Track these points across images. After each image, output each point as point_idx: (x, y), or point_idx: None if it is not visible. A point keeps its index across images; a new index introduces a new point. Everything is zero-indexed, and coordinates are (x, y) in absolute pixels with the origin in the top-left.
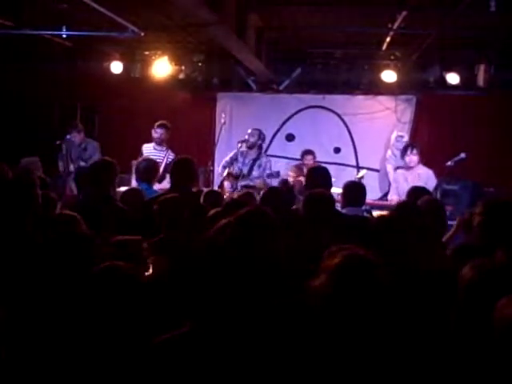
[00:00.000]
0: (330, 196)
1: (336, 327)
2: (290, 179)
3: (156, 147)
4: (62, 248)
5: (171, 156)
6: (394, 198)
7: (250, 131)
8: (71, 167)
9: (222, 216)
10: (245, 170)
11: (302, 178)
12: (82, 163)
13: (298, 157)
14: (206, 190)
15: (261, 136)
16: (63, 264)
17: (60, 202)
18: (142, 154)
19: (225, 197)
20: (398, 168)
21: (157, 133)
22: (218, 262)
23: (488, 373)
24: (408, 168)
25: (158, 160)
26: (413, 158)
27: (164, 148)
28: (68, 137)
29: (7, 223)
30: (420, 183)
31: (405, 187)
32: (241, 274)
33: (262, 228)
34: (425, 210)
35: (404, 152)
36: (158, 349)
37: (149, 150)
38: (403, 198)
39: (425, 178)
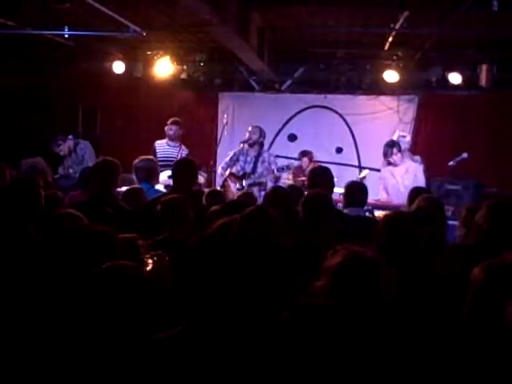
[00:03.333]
0: (327, 196)
1: (337, 328)
2: (290, 181)
3: (169, 143)
4: (76, 244)
5: (185, 151)
6: (383, 195)
7: (250, 129)
8: (62, 169)
9: (219, 215)
10: (248, 168)
11: (303, 178)
12: (74, 165)
13: None
14: (207, 190)
15: (262, 133)
16: (71, 262)
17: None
18: (154, 151)
19: (231, 197)
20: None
21: (172, 130)
22: (222, 259)
23: (497, 373)
24: (394, 165)
25: (172, 156)
26: (395, 157)
27: (177, 144)
28: (70, 137)
29: (10, 223)
30: (409, 176)
31: (393, 182)
32: (244, 271)
33: (266, 226)
34: (423, 208)
35: (385, 154)
36: (154, 347)
37: (162, 146)
38: (393, 195)
39: (413, 170)
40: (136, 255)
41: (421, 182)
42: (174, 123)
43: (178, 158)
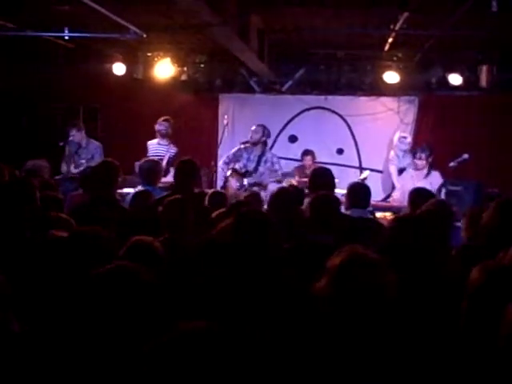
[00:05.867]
0: (335, 198)
1: (339, 328)
2: (294, 182)
3: (160, 142)
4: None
5: (173, 150)
6: (396, 194)
7: (253, 128)
8: (72, 168)
9: (225, 217)
10: (250, 167)
11: (305, 179)
12: (82, 161)
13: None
14: (210, 191)
15: (265, 132)
16: (67, 265)
17: (65, 202)
18: (147, 151)
19: (231, 195)
20: (402, 169)
21: (163, 125)
22: (220, 263)
23: (496, 375)
24: (416, 168)
25: (161, 155)
26: (417, 162)
27: (167, 142)
28: (70, 138)
29: (5, 225)
30: (426, 183)
31: (411, 185)
32: (242, 275)
33: (260, 227)
34: (432, 212)
35: (415, 153)
36: (154, 349)
37: (153, 146)
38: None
39: (430, 177)
40: (157, 257)
41: (435, 187)
42: (164, 120)
43: (166, 156)
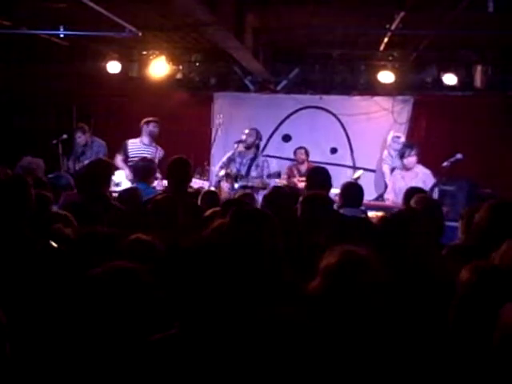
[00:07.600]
0: (327, 197)
1: (332, 328)
2: (284, 181)
3: (145, 142)
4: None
5: (161, 152)
6: (389, 196)
7: (247, 131)
8: (77, 167)
9: (219, 216)
10: (243, 171)
11: (293, 180)
12: (91, 157)
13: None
14: (203, 190)
15: (258, 135)
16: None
17: (60, 200)
18: (125, 150)
19: (223, 198)
20: (394, 169)
21: (156, 128)
22: (213, 261)
23: (486, 374)
24: (406, 169)
25: (147, 156)
26: (410, 159)
27: (153, 144)
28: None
29: (4, 224)
30: (418, 182)
31: (402, 186)
32: (236, 273)
33: (258, 226)
34: (419, 209)
35: (402, 154)
36: (148, 349)
37: (136, 145)
38: (400, 197)
39: (422, 177)
40: (153, 257)
41: (428, 187)
42: (157, 122)
43: (157, 158)
